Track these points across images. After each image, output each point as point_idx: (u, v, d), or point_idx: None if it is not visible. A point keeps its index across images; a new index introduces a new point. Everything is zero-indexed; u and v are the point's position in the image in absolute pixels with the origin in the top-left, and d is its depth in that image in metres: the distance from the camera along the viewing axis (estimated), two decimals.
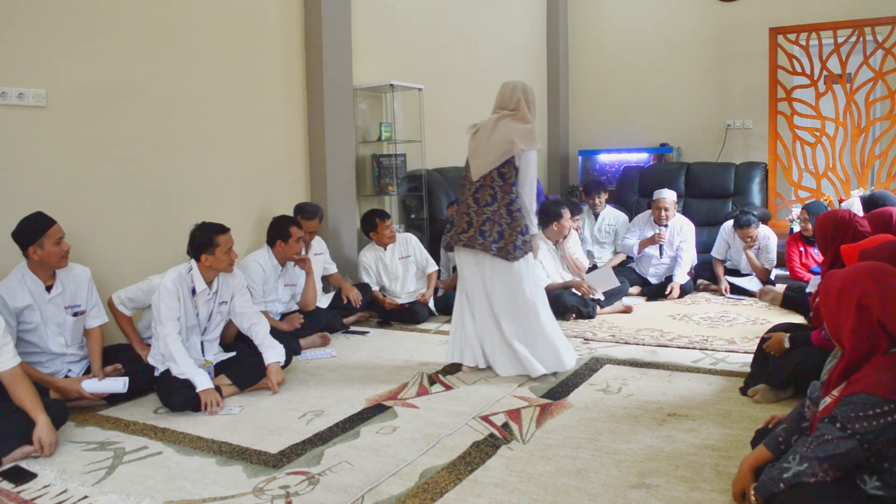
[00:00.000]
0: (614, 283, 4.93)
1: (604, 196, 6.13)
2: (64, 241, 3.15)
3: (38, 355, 3.19)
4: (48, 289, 3.18)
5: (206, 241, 3.29)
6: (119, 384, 3.17)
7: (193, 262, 3.34)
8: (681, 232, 5.53)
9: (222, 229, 3.34)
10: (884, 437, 1.64)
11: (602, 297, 4.91)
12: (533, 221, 3.53)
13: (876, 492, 1.68)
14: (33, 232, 3.08)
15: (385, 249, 4.94)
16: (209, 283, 3.37)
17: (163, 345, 3.23)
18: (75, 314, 3.29)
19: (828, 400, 1.83)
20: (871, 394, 1.65)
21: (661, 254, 5.53)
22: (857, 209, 5.19)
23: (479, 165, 3.48)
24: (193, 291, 3.33)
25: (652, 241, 5.50)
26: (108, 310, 3.56)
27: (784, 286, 5.20)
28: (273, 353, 3.41)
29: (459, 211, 3.58)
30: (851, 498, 1.68)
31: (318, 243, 4.77)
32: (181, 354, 3.20)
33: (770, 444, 1.99)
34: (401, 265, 4.98)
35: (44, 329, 3.18)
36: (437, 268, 5.09)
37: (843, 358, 1.83)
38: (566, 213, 4.96)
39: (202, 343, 3.45)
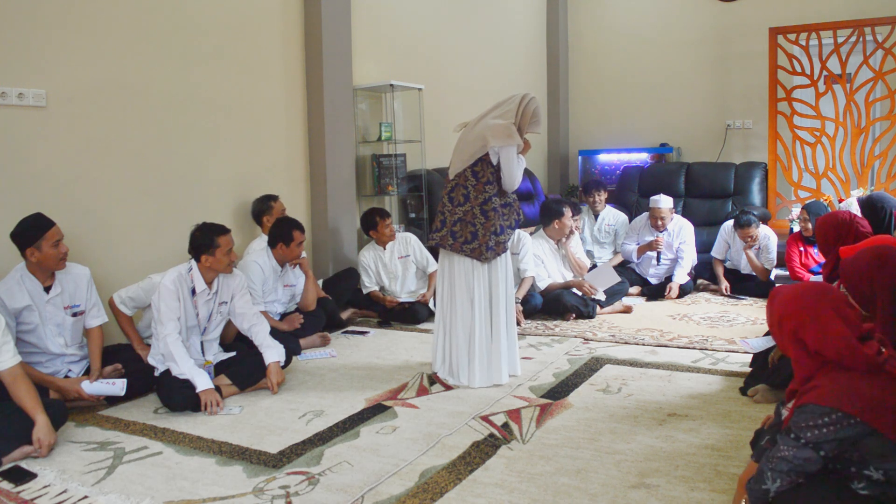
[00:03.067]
0: (615, 279, 4.93)
1: (603, 194, 6.12)
2: (62, 243, 3.14)
3: (37, 355, 3.19)
4: (47, 289, 3.18)
5: (206, 242, 3.28)
6: (117, 387, 3.17)
7: (193, 262, 3.34)
8: (680, 234, 5.52)
9: (223, 230, 3.34)
10: (837, 444, 1.68)
11: (603, 297, 4.91)
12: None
13: (863, 492, 1.72)
14: (31, 234, 3.06)
15: (384, 249, 4.94)
16: (209, 284, 3.37)
17: (163, 345, 3.23)
18: (75, 314, 3.29)
19: (785, 413, 1.89)
20: (817, 404, 1.69)
21: (657, 261, 5.52)
22: (855, 210, 5.19)
23: (455, 164, 3.45)
24: (193, 291, 3.33)
25: (650, 247, 5.50)
26: (109, 309, 3.56)
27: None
28: (273, 352, 3.42)
29: (438, 208, 3.55)
30: (845, 498, 1.71)
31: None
32: (181, 355, 3.20)
33: (758, 457, 2.01)
34: (400, 265, 4.98)
35: (43, 330, 3.17)
36: (437, 267, 5.08)
37: (794, 376, 1.86)
38: (568, 211, 4.96)
39: (202, 343, 3.45)
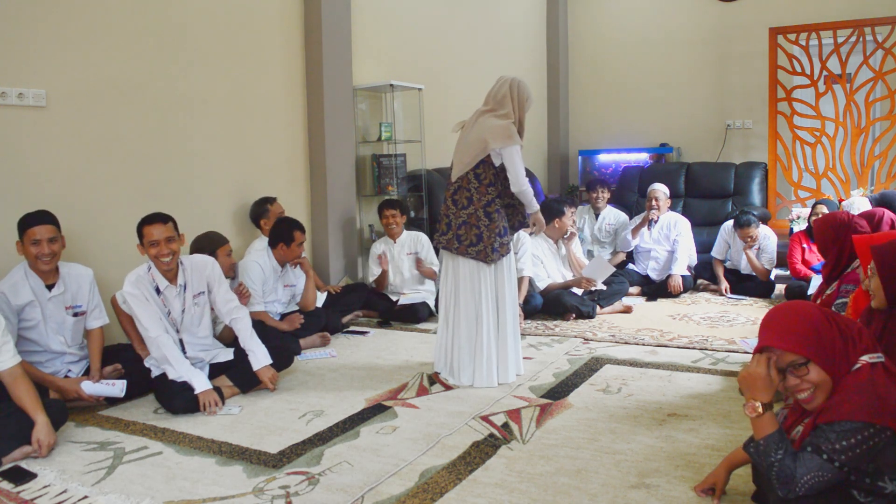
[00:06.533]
0: (610, 269, 4.97)
1: (606, 193, 6.15)
2: (45, 244, 3.07)
3: (38, 354, 3.20)
4: (49, 287, 3.19)
5: (138, 233, 3.19)
6: (117, 388, 3.16)
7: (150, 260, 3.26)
8: (675, 227, 5.56)
9: (153, 219, 3.18)
10: (866, 460, 1.65)
11: (604, 287, 4.92)
12: (534, 203, 3.43)
13: (867, 501, 1.70)
14: (19, 227, 3.10)
15: (395, 243, 4.98)
16: (172, 280, 3.28)
17: (154, 348, 3.18)
18: (76, 314, 3.29)
19: (800, 429, 1.82)
20: (849, 420, 1.64)
21: (649, 227, 5.59)
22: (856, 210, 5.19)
23: (457, 166, 3.44)
24: (158, 291, 3.25)
25: (643, 221, 5.60)
26: (111, 308, 3.56)
27: (784, 286, 5.21)
28: (258, 358, 3.33)
29: (441, 211, 3.55)
30: None
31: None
32: (175, 357, 3.17)
33: (747, 449, 1.94)
34: (407, 260, 5.01)
35: (44, 327, 3.18)
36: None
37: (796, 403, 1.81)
38: (568, 211, 4.97)
39: (181, 341, 3.33)
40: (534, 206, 3.47)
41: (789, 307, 1.83)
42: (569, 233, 5.04)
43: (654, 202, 5.57)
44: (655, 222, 5.58)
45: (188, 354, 3.32)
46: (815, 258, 5.06)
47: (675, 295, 5.41)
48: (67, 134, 3.67)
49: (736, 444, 2.57)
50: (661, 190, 5.63)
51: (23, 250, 3.11)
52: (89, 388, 3.13)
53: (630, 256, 5.82)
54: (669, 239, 5.56)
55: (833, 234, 3.04)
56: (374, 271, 4.98)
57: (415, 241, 5.04)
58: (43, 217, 3.11)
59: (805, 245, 5.13)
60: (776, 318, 1.81)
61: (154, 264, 3.23)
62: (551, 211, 4.97)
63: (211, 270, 3.41)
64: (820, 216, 3.35)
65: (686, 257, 5.53)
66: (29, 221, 3.08)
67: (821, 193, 6.48)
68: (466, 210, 3.39)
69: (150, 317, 3.18)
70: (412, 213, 5.98)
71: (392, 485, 2.36)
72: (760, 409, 1.76)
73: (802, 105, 6.59)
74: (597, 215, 6.17)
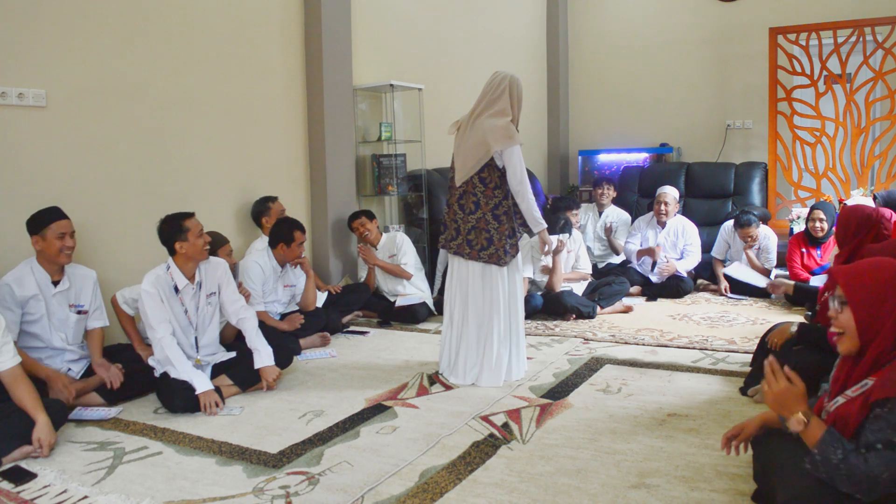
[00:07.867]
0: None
1: (611, 191, 6.14)
2: (69, 237, 3.18)
3: (40, 351, 3.21)
4: (55, 284, 3.23)
5: (176, 229, 3.24)
6: (112, 412, 3.13)
7: (170, 259, 3.30)
8: (684, 234, 5.54)
9: (188, 214, 3.31)
10: None
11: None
12: (537, 218, 3.43)
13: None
14: (39, 222, 3.15)
15: (376, 248, 4.97)
16: (191, 278, 3.32)
17: (158, 349, 3.21)
18: (79, 312, 3.32)
19: (840, 400, 1.74)
20: None
21: (652, 269, 5.51)
22: None
23: (460, 170, 3.43)
24: (176, 290, 3.29)
25: (649, 251, 5.52)
26: (112, 308, 3.57)
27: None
28: (261, 357, 3.37)
29: (448, 215, 3.53)
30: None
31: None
32: (178, 357, 3.19)
33: (806, 466, 1.78)
34: (389, 263, 5.00)
35: (47, 322, 3.21)
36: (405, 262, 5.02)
37: (868, 354, 1.70)
38: (559, 233, 4.73)
39: (196, 339, 3.38)
40: (539, 223, 3.44)
41: (883, 259, 1.79)
42: (556, 243, 4.63)
43: (663, 206, 5.53)
44: (658, 259, 5.50)
45: (201, 356, 3.37)
46: (815, 262, 5.05)
47: (660, 277, 5.41)
48: (67, 134, 3.67)
49: None
50: (670, 193, 5.58)
51: (42, 244, 3.14)
52: (80, 413, 3.11)
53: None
54: (676, 247, 5.54)
55: (855, 226, 2.95)
56: (360, 275, 5.06)
57: (392, 243, 5.02)
58: (63, 212, 3.21)
59: (804, 249, 5.11)
60: (866, 257, 1.80)
61: (197, 258, 3.31)
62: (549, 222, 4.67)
63: (223, 271, 3.47)
64: (844, 207, 3.28)
65: (694, 263, 5.55)
66: (52, 216, 3.16)
67: (821, 193, 6.48)
68: (474, 215, 3.39)
69: (160, 318, 3.21)
70: (413, 213, 5.98)
71: (392, 485, 2.36)
72: (804, 419, 1.69)
73: (802, 105, 6.59)
74: (600, 213, 6.16)
